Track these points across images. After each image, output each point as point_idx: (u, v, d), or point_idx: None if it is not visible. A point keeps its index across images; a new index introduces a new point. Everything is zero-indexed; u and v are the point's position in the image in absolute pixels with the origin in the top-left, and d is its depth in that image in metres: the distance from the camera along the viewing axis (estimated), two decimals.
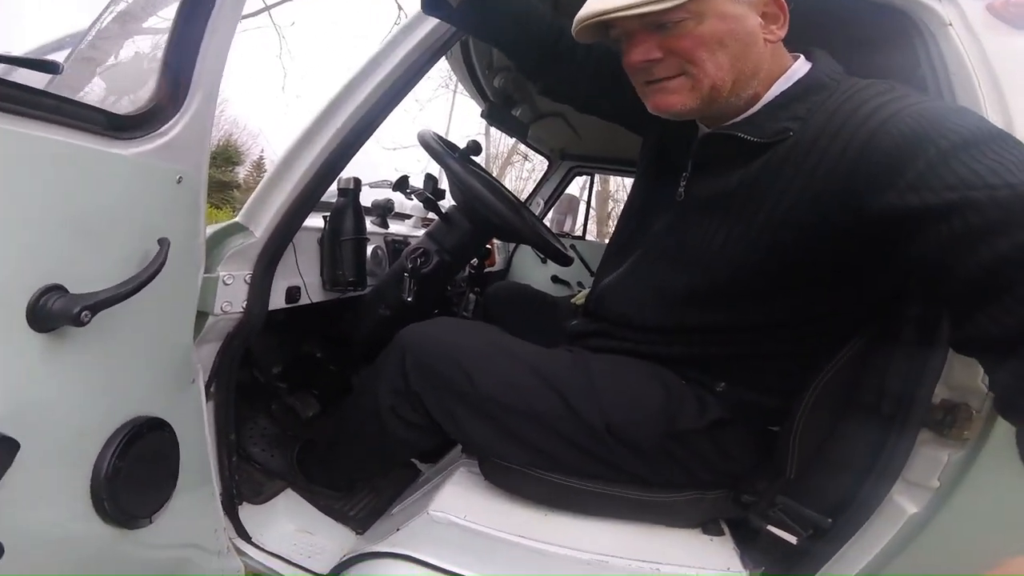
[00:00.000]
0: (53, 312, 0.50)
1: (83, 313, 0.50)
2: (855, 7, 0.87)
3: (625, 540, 0.86)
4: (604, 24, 0.73)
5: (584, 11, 0.72)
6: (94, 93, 0.67)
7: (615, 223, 1.22)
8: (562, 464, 0.85)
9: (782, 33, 0.74)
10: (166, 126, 0.60)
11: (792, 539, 0.78)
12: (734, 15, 0.70)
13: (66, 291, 0.52)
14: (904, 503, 0.70)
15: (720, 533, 0.90)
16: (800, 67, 0.77)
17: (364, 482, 1.20)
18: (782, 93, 0.75)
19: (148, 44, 0.67)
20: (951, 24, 0.79)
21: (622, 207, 1.07)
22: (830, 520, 0.77)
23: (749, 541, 0.88)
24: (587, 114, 1.07)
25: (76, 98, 0.54)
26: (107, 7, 0.67)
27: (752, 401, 0.85)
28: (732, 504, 0.89)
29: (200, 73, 0.62)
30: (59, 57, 0.67)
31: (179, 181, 0.62)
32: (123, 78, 0.67)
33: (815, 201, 0.68)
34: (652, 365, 0.86)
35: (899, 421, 0.73)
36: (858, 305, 0.78)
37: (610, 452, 0.83)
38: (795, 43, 0.79)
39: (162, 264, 0.58)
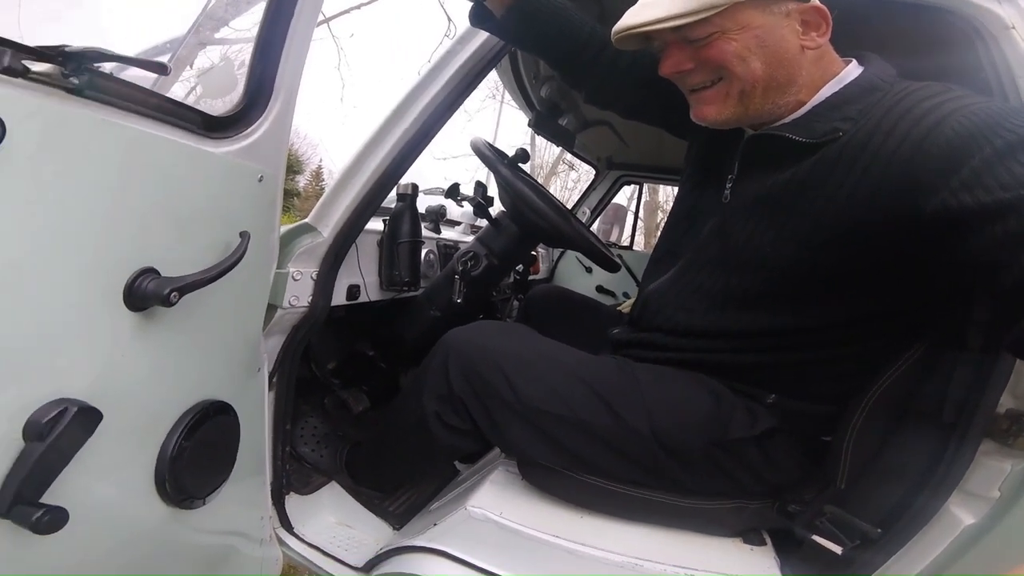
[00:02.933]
0: (147, 292, 0.54)
1: (172, 294, 0.54)
2: (911, 12, 0.85)
3: (661, 545, 0.86)
4: (647, 36, 0.76)
5: (619, 24, 0.76)
6: (189, 94, 0.74)
7: None
8: (603, 469, 0.86)
9: (823, 40, 0.74)
10: (251, 128, 0.66)
11: (837, 549, 0.77)
12: (763, 25, 0.71)
13: (159, 274, 0.56)
14: (960, 513, 0.68)
15: (762, 543, 0.88)
16: (852, 71, 0.77)
17: (410, 484, 1.22)
18: (833, 95, 0.75)
19: (232, 50, 0.74)
20: (1014, 27, 0.77)
21: (666, 217, 1.07)
22: (879, 530, 0.75)
23: (792, 551, 0.86)
24: (632, 120, 1.08)
25: (177, 99, 0.60)
26: (199, 16, 0.75)
27: (803, 411, 0.83)
28: (776, 514, 0.87)
29: (282, 78, 0.68)
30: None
31: (260, 180, 0.68)
32: (215, 82, 0.74)
33: (870, 199, 0.68)
34: (700, 375, 0.86)
35: (960, 430, 0.71)
36: (914, 307, 0.76)
37: (654, 459, 0.82)
38: (849, 48, 0.79)
39: (243, 254, 0.63)
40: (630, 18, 0.75)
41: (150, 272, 0.56)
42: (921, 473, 0.74)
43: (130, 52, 0.55)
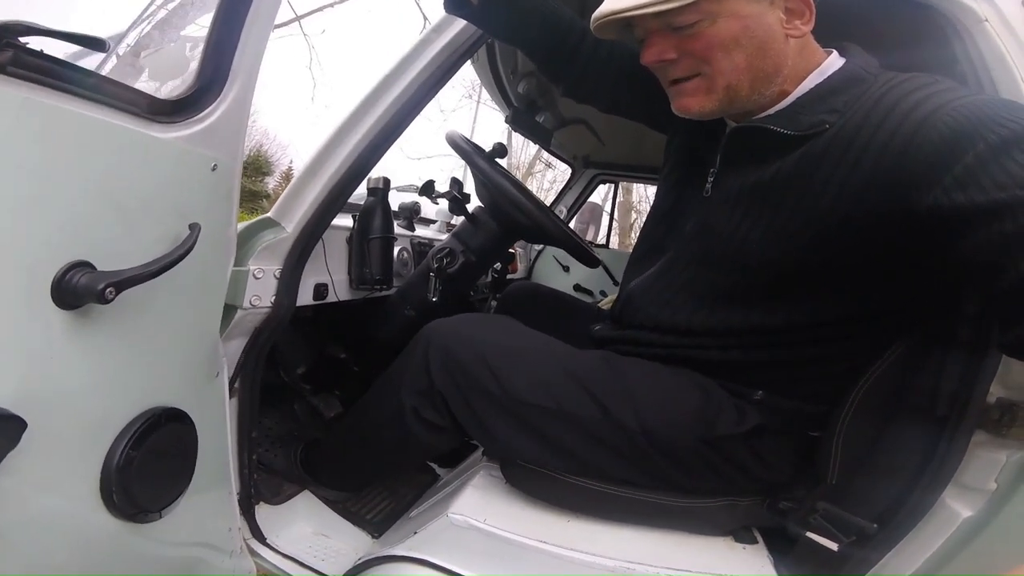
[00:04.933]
0: (78, 288, 0.49)
1: (107, 290, 0.49)
2: (887, 5, 0.86)
3: (651, 547, 0.83)
4: (627, 24, 0.74)
5: (600, 9, 0.73)
6: (136, 77, 0.68)
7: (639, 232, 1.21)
8: (591, 467, 0.83)
9: (807, 28, 0.72)
10: (204, 112, 0.61)
11: (833, 546, 0.75)
12: (749, 13, 0.69)
13: (93, 268, 0.51)
14: (957, 507, 0.67)
15: (753, 541, 0.87)
16: (834, 62, 0.75)
17: (377, 485, 1.19)
18: (817, 86, 0.73)
19: (191, 33, 0.69)
20: (987, 20, 0.77)
21: (647, 214, 1.05)
22: (875, 526, 0.74)
23: (784, 549, 0.85)
24: (611, 114, 1.06)
25: (119, 80, 0.55)
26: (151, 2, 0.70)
27: (792, 408, 0.81)
28: (768, 511, 0.85)
29: (239, 62, 0.63)
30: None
31: (214, 169, 0.63)
32: (165, 64, 0.69)
33: (860, 194, 0.65)
34: (687, 371, 0.84)
35: (952, 422, 0.70)
36: (905, 304, 0.75)
37: (643, 455, 0.80)
38: (826, 40, 0.78)
39: (191, 247, 0.58)
40: (612, 3, 0.71)
41: (83, 266, 0.50)
42: (915, 467, 0.73)
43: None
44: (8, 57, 0.45)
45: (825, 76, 0.73)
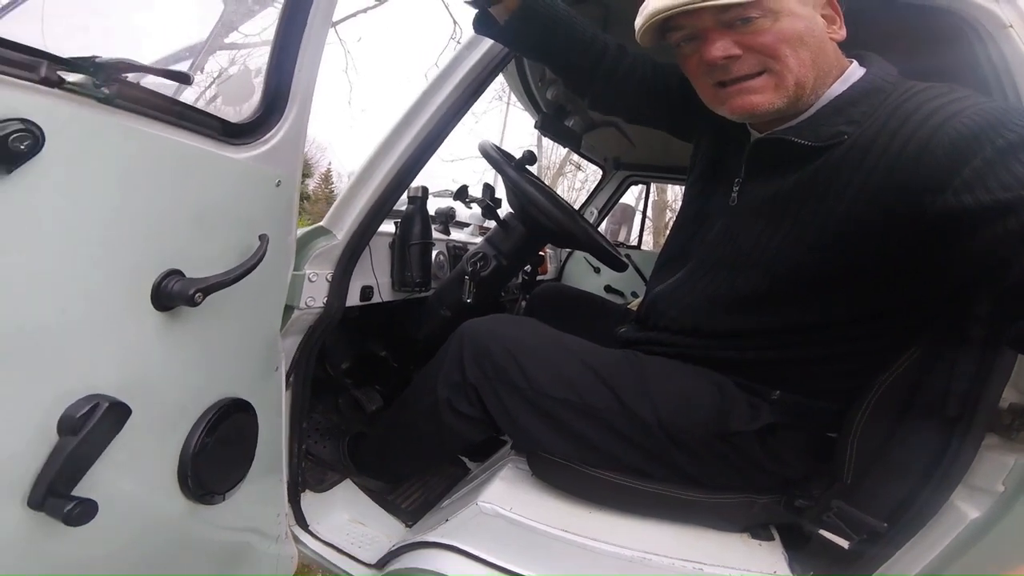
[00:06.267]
0: (173, 293, 0.56)
1: (196, 295, 0.56)
2: (909, 11, 0.86)
3: (669, 539, 0.87)
4: (663, 28, 0.75)
5: (655, 5, 0.71)
6: (211, 102, 0.76)
7: None
8: (611, 459, 0.87)
9: (841, 35, 0.75)
10: (269, 134, 0.68)
11: (844, 543, 0.78)
12: (805, 15, 0.71)
13: (183, 275, 0.58)
14: (965, 508, 0.69)
15: (770, 538, 0.89)
16: (855, 71, 0.77)
17: (414, 475, 1.25)
18: (837, 96, 0.75)
19: (243, 55, 0.76)
20: (1011, 26, 0.78)
21: (673, 221, 1.08)
22: (886, 525, 0.76)
23: (799, 545, 0.87)
24: (636, 124, 1.09)
25: (199, 107, 0.62)
26: (216, 26, 0.77)
27: (808, 407, 0.84)
28: (784, 509, 0.88)
29: (297, 86, 0.70)
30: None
31: (278, 184, 0.70)
32: (234, 90, 0.76)
33: (874, 199, 0.68)
34: (705, 369, 0.87)
35: (964, 425, 0.72)
36: (919, 305, 0.77)
37: (661, 448, 0.84)
38: (847, 48, 0.80)
39: (263, 256, 0.65)
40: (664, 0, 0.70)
41: (176, 274, 0.58)
42: (926, 468, 0.75)
43: (146, 61, 0.57)
44: (114, 91, 0.51)
45: (847, 85, 0.75)
